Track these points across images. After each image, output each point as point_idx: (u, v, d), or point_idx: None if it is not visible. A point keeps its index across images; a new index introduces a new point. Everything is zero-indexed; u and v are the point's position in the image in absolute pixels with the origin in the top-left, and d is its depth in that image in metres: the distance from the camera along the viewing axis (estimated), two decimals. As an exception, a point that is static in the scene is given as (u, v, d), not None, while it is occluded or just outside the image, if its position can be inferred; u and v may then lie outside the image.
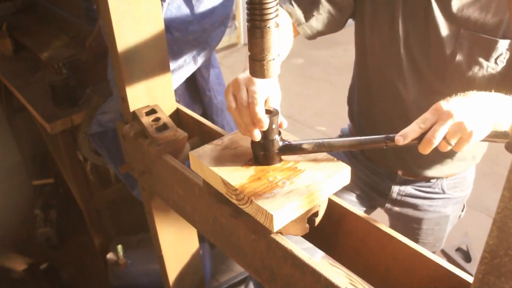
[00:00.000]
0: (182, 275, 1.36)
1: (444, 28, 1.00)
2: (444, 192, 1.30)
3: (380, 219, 0.83)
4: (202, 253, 1.99)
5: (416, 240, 1.41)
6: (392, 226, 1.49)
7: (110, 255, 2.03)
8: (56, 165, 2.35)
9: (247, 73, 0.78)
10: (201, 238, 1.46)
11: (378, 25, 1.10)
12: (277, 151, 0.77)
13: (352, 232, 0.83)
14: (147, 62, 1.05)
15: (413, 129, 0.76)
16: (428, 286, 0.72)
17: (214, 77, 1.75)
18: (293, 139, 0.81)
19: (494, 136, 0.80)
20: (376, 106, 1.22)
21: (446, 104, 0.77)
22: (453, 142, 0.78)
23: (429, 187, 1.29)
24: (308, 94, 3.96)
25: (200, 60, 1.53)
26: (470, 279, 0.65)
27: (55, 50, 2.15)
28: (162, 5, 1.31)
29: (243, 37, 5.18)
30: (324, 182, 0.73)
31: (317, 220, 0.78)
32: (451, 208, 1.34)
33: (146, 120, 1.03)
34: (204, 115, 1.80)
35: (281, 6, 1.12)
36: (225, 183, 0.74)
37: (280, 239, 0.73)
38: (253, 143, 0.77)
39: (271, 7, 0.64)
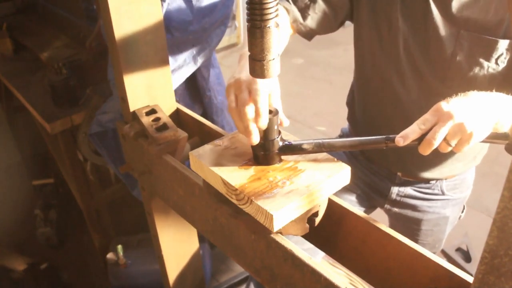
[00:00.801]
0: (182, 275, 1.36)
1: (443, 29, 1.00)
2: (443, 193, 1.30)
3: (380, 219, 0.83)
4: (202, 253, 1.99)
5: (415, 241, 1.40)
6: (391, 226, 1.49)
7: (110, 255, 2.03)
8: (56, 165, 2.35)
9: (246, 72, 0.78)
10: (201, 238, 1.46)
11: (377, 27, 1.09)
12: (277, 151, 0.77)
13: (352, 232, 0.83)
14: (147, 62, 1.05)
15: (413, 130, 0.76)
16: (428, 286, 0.72)
17: (214, 77, 1.75)
18: (293, 139, 0.81)
19: (494, 137, 0.80)
20: (376, 108, 1.22)
21: (446, 105, 0.77)
22: (453, 143, 0.78)
23: (428, 188, 1.29)
24: (308, 94, 3.96)
25: (200, 60, 1.53)
26: (470, 279, 0.65)
27: (55, 50, 2.15)
28: (162, 5, 1.31)
29: (243, 37, 5.18)
30: (324, 182, 0.73)
31: (317, 220, 0.79)
32: (450, 209, 1.34)
33: (146, 120, 1.03)
34: (204, 115, 1.80)
35: (279, 3, 1.12)
36: (225, 183, 0.74)
37: (280, 239, 0.73)
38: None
39: (271, 7, 0.64)
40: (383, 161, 1.29)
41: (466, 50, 1.00)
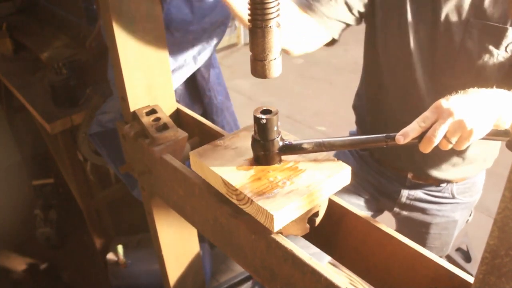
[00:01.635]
0: (182, 275, 1.36)
1: (452, 18, 1.00)
2: (453, 197, 1.29)
3: (381, 220, 0.83)
4: (202, 253, 1.99)
5: (423, 245, 1.40)
6: (399, 230, 1.49)
7: (110, 255, 2.03)
8: (56, 165, 2.35)
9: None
10: (201, 238, 1.46)
11: (387, 25, 1.09)
12: (277, 151, 0.77)
13: (352, 232, 0.83)
14: (147, 62, 1.05)
15: (413, 128, 0.76)
16: (428, 286, 0.72)
17: (214, 77, 1.75)
18: (293, 139, 0.81)
19: (495, 135, 0.80)
20: (387, 107, 1.22)
21: (446, 102, 0.77)
22: (453, 140, 0.78)
23: (439, 191, 1.28)
24: (308, 94, 3.96)
25: (200, 60, 1.53)
26: (470, 279, 0.65)
27: (55, 50, 2.15)
28: (162, 5, 1.31)
29: (243, 37, 5.18)
30: (325, 182, 0.73)
31: (318, 220, 0.78)
32: (459, 213, 1.33)
33: (146, 120, 1.03)
34: (204, 115, 1.80)
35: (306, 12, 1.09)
36: (225, 183, 0.74)
37: (280, 239, 0.73)
38: (253, 143, 0.77)
39: (273, 7, 0.64)
40: (393, 162, 1.28)
41: (476, 38, 0.99)
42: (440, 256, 1.50)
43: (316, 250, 0.96)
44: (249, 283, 2.16)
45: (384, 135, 0.75)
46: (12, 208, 2.61)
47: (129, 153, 1.13)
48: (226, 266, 2.35)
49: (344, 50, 4.59)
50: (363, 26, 1.21)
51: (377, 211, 1.41)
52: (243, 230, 0.81)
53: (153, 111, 1.07)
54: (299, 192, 0.70)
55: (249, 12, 0.65)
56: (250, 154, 0.79)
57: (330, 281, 0.65)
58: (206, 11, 1.42)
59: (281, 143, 0.77)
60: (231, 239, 0.86)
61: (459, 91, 0.81)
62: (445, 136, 0.76)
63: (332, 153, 1.44)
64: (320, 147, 0.76)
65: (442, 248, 1.42)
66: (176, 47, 1.42)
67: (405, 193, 1.29)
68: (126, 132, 1.06)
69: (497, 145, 1.24)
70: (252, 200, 0.69)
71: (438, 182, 1.26)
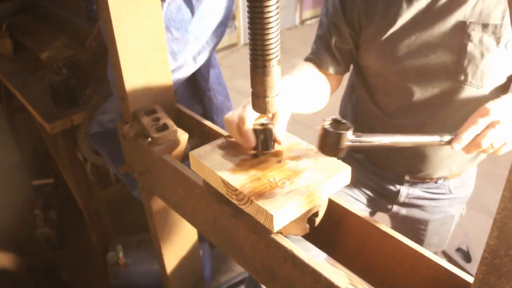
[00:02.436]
0: (182, 275, 1.36)
1: (450, 23, 1.00)
2: (450, 192, 1.31)
3: (380, 219, 0.83)
4: (202, 253, 1.99)
5: (421, 242, 1.42)
6: (396, 230, 1.49)
7: (110, 255, 2.03)
8: (56, 165, 2.35)
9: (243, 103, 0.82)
10: (201, 238, 1.46)
11: (381, 48, 1.10)
12: (346, 143, 0.76)
13: (352, 232, 0.83)
14: (147, 62, 1.05)
15: (468, 135, 0.80)
16: (428, 286, 0.72)
17: (214, 77, 1.75)
18: (293, 138, 0.81)
19: None
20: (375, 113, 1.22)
21: (493, 108, 0.80)
22: (496, 145, 0.80)
23: (436, 188, 1.29)
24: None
25: (200, 60, 1.53)
26: (470, 279, 0.65)
27: (55, 50, 2.14)
28: (162, 5, 1.31)
29: (243, 37, 5.18)
30: (324, 182, 0.73)
31: (317, 220, 0.78)
32: (455, 207, 1.35)
33: (146, 120, 1.03)
34: (204, 115, 1.80)
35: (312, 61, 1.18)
36: (225, 183, 0.74)
37: (280, 239, 0.73)
38: (325, 132, 0.76)
39: (273, 48, 0.65)
40: (391, 165, 1.29)
41: (476, 39, 1.00)
42: (437, 252, 1.51)
43: (315, 252, 0.96)
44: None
45: (438, 138, 0.81)
46: (12, 208, 2.61)
47: (129, 153, 1.13)
48: (226, 266, 2.35)
49: (344, 50, 4.58)
50: None
51: (371, 213, 1.41)
52: (243, 230, 0.81)
53: (153, 111, 1.07)
54: (299, 192, 0.70)
55: (250, 52, 0.66)
56: (250, 154, 0.79)
57: (329, 281, 0.65)
58: (206, 11, 1.42)
59: (352, 137, 0.76)
60: (231, 239, 0.86)
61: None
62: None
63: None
64: (384, 142, 0.79)
65: (440, 244, 1.45)
66: (176, 47, 1.41)
67: (404, 192, 1.30)
68: (126, 132, 1.06)
69: None
70: (252, 200, 0.69)
71: (436, 178, 1.28)
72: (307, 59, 1.20)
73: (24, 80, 2.05)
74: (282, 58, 0.71)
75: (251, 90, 0.71)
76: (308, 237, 0.88)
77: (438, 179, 1.27)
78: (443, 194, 1.31)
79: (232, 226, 0.84)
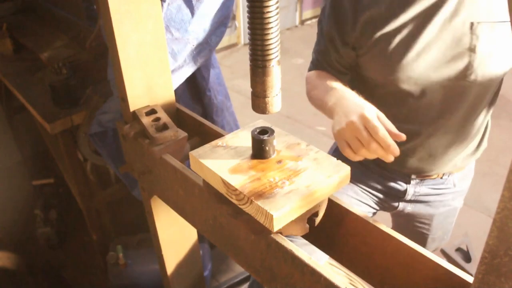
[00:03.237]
0: (182, 275, 1.36)
1: (458, 27, 1.01)
2: (454, 186, 1.33)
3: (380, 219, 0.83)
4: (202, 253, 1.99)
5: (425, 236, 1.44)
6: (400, 227, 1.50)
7: (110, 255, 2.03)
8: (56, 165, 2.36)
9: (354, 114, 0.89)
10: (201, 238, 1.46)
11: (384, 53, 1.10)
12: None
13: (352, 232, 0.83)
14: (147, 62, 1.05)
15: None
16: (428, 286, 0.72)
17: (214, 77, 1.75)
18: (293, 138, 0.81)
19: None
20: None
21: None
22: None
23: (442, 183, 1.32)
24: (308, 94, 3.95)
25: (200, 60, 1.53)
26: (470, 279, 0.65)
27: (55, 50, 2.15)
28: (162, 5, 1.31)
29: (243, 37, 5.19)
30: (324, 182, 0.73)
31: (317, 220, 0.79)
32: (458, 200, 1.39)
33: (146, 120, 1.03)
34: (204, 115, 1.80)
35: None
36: (225, 183, 0.74)
37: (280, 239, 0.73)
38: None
39: (273, 48, 0.65)
40: (398, 167, 1.29)
41: (484, 39, 1.00)
42: (440, 246, 1.52)
43: (318, 251, 0.96)
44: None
45: None
46: (12, 208, 2.61)
47: (129, 153, 1.13)
48: (226, 266, 2.35)
49: (344, 50, 4.58)
50: None
51: (374, 213, 1.42)
52: (243, 230, 0.81)
53: (153, 111, 1.07)
54: (299, 192, 0.70)
55: (250, 52, 0.66)
56: (249, 154, 0.79)
57: (329, 281, 0.65)
58: (206, 11, 1.42)
59: None
60: (231, 239, 0.87)
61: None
62: None
63: (332, 153, 1.44)
64: None
65: (444, 237, 1.48)
66: (176, 47, 1.42)
67: (411, 191, 1.31)
68: (126, 132, 1.06)
69: (489, 124, 1.29)
70: (251, 200, 0.69)
71: (441, 175, 1.30)
72: (312, 69, 1.24)
73: (24, 80, 2.05)
74: (282, 58, 0.71)
75: (251, 90, 0.71)
76: (308, 237, 0.88)
77: (443, 174, 1.30)
78: (448, 188, 1.33)
79: (232, 226, 0.84)
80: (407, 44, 1.06)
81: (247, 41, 0.69)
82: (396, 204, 1.36)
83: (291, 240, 0.75)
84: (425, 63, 1.06)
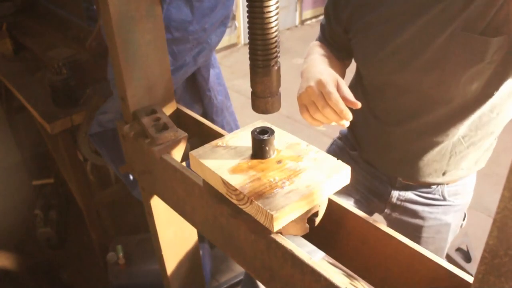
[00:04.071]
0: (182, 275, 1.36)
1: (436, 29, 1.00)
2: (444, 199, 1.28)
3: (380, 220, 0.83)
4: (202, 253, 1.99)
5: None
6: None
7: (110, 255, 2.03)
8: (56, 165, 2.36)
9: (314, 76, 0.94)
10: (201, 238, 1.46)
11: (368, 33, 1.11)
12: None
13: (352, 232, 0.83)
14: (147, 62, 1.05)
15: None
16: (428, 286, 0.72)
17: (214, 77, 1.75)
18: (292, 137, 0.81)
19: None
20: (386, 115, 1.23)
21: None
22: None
23: (429, 193, 1.28)
24: (308, 94, 3.94)
25: (200, 60, 1.53)
26: (470, 279, 0.65)
27: (55, 50, 2.15)
28: (162, 5, 1.31)
29: (243, 37, 5.19)
30: (324, 182, 0.73)
31: (317, 220, 0.79)
32: (452, 215, 1.32)
33: (146, 120, 1.03)
34: (204, 115, 1.80)
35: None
36: (225, 183, 0.74)
37: (280, 239, 0.73)
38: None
39: (273, 48, 0.65)
40: (382, 166, 1.29)
41: (460, 50, 0.98)
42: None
43: (311, 248, 0.96)
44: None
45: None
46: (12, 208, 2.61)
47: (129, 153, 1.13)
48: (226, 266, 2.35)
49: (344, 50, 4.58)
50: None
51: (367, 212, 1.40)
52: (243, 230, 0.81)
53: (153, 111, 1.07)
54: (299, 192, 0.70)
55: (250, 52, 0.66)
56: (249, 154, 0.79)
57: (329, 281, 0.65)
58: (206, 11, 1.42)
59: None
60: (231, 239, 0.87)
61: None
62: None
63: (332, 152, 1.44)
64: None
65: (437, 253, 1.41)
66: (176, 47, 1.42)
67: (395, 194, 1.29)
68: (126, 132, 1.06)
69: (490, 147, 1.24)
70: (251, 200, 0.69)
71: (428, 183, 1.26)
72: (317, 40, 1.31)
73: (24, 80, 2.06)
74: (282, 58, 0.71)
75: (251, 90, 0.71)
76: (308, 237, 0.88)
77: (430, 184, 1.26)
78: (437, 200, 1.28)
79: (232, 226, 0.84)
80: (386, 39, 1.06)
81: (247, 41, 0.69)
82: (382, 206, 1.34)
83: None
84: (400, 62, 1.06)
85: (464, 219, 1.40)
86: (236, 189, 0.72)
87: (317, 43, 1.28)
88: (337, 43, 1.24)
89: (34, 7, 2.63)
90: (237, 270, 2.32)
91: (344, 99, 0.92)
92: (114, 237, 2.18)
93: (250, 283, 1.37)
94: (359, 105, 0.92)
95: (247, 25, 0.66)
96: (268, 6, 0.62)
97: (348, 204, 0.83)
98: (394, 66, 1.08)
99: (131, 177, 1.70)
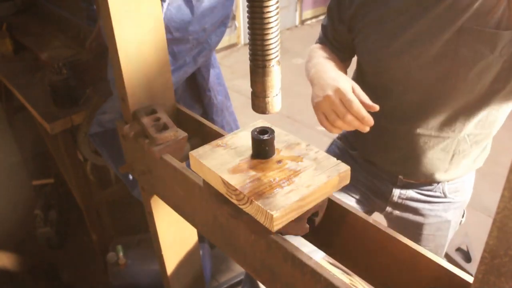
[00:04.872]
0: (182, 275, 1.36)
1: (445, 25, 1.00)
2: (445, 196, 1.29)
3: (380, 219, 0.83)
4: (202, 253, 1.99)
5: None
6: None
7: (110, 255, 2.03)
8: (56, 165, 2.36)
9: (330, 88, 0.94)
10: (201, 238, 1.46)
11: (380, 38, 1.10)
12: None
13: (352, 232, 0.83)
14: (147, 62, 1.05)
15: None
16: (428, 286, 0.72)
17: (214, 77, 1.75)
18: (292, 137, 0.81)
19: None
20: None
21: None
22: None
23: (430, 190, 1.28)
24: (308, 94, 3.94)
25: (200, 60, 1.53)
26: (470, 279, 0.65)
27: (55, 50, 2.15)
28: (162, 5, 1.31)
29: (243, 37, 5.19)
30: (324, 182, 0.73)
31: (317, 220, 0.79)
32: (452, 212, 1.33)
33: (146, 120, 1.03)
34: (204, 115, 1.80)
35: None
36: (225, 183, 0.74)
37: (280, 239, 0.73)
38: None
39: (273, 48, 0.65)
40: (384, 165, 1.28)
41: (470, 44, 0.99)
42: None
43: (311, 248, 0.96)
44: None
45: None
46: (12, 208, 2.61)
47: (129, 153, 1.13)
48: (226, 266, 2.35)
49: (344, 50, 4.58)
50: None
51: (367, 212, 1.41)
52: (243, 230, 0.81)
53: (153, 111, 1.07)
54: (299, 192, 0.70)
55: (250, 52, 0.66)
56: (249, 154, 0.79)
57: (329, 281, 0.65)
58: (206, 11, 1.42)
59: None
60: (231, 239, 0.87)
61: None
62: None
63: (332, 152, 1.44)
64: None
65: (437, 251, 1.41)
66: (176, 47, 1.42)
67: (396, 192, 1.30)
68: (126, 132, 1.06)
69: (487, 146, 1.25)
70: (251, 200, 0.69)
71: (429, 181, 1.27)
72: (317, 42, 1.31)
73: (24, 80, 2.06)
74: (282, 58, 0.71)
75: (251, 90, 0.71)
76: (308, 237, 0.88)
77: (432, 182, 1.27)
78: (437, 197, 1.29)
79: (232, 226, 0.84)
80: (393, 35, 1.05)
81: (247, 41, 0.69)
82: (383, 205, 1.35)
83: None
84: (408, 57, 1.06)
85: (463, 216, 1.41)
86: (236, 189, 0.72)
87: (318, 45, 1.28)
88: (340, 43, 1.23)
89: (34, 7, 2.63)
90: (237, 270, 2.32)
91: (363, 103, 0.92)
92: (114, 237, 2.18)
93: (250, 283, 1.37)
94: (377, 108, 0.93)
95: (247, 25, 0.66)
96: (268, 6, 0.62)
97: (348, 204, 0.83)
98: (401, 62, 1.07)
99: (131, 177, 1.70)
